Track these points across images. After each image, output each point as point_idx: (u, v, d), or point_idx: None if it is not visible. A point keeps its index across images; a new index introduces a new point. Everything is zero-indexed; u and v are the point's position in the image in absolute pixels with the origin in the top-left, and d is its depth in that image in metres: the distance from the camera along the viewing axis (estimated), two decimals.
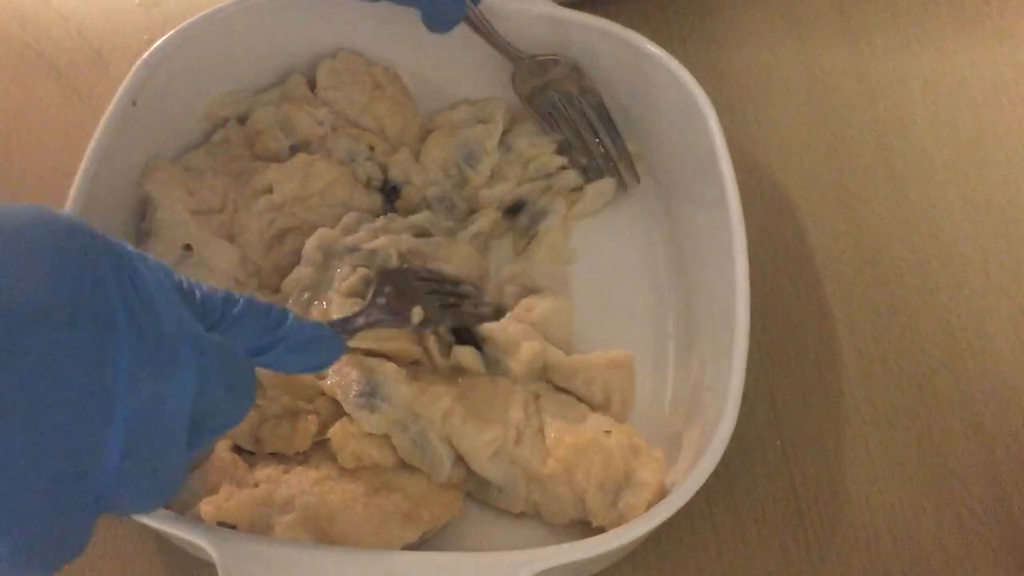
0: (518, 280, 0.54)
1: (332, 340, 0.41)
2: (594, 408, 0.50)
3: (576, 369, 0.49)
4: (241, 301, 0.38)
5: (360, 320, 0.46)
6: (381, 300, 0.48)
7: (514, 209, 0.57)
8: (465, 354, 0.49)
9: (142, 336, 0.31)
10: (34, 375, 0.28)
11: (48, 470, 0.29)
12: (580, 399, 0.50)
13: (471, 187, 0.57)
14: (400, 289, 0.49)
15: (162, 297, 0.33)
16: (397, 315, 0.48)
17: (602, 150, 0.57)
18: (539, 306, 0.51)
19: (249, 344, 0.38)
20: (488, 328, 0.50)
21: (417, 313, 0.48)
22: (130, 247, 0.33)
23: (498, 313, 0.52)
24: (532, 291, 0.53)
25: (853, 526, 0.49)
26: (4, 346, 0.28)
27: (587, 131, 0.57)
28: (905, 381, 0.54)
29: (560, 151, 0.58)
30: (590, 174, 0.58)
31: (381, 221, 0.53)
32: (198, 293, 0.36)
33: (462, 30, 0.53)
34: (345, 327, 0.45)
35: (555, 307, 0.51)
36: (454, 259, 0.53)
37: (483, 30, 0.54)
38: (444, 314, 0.50)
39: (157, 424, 0.32)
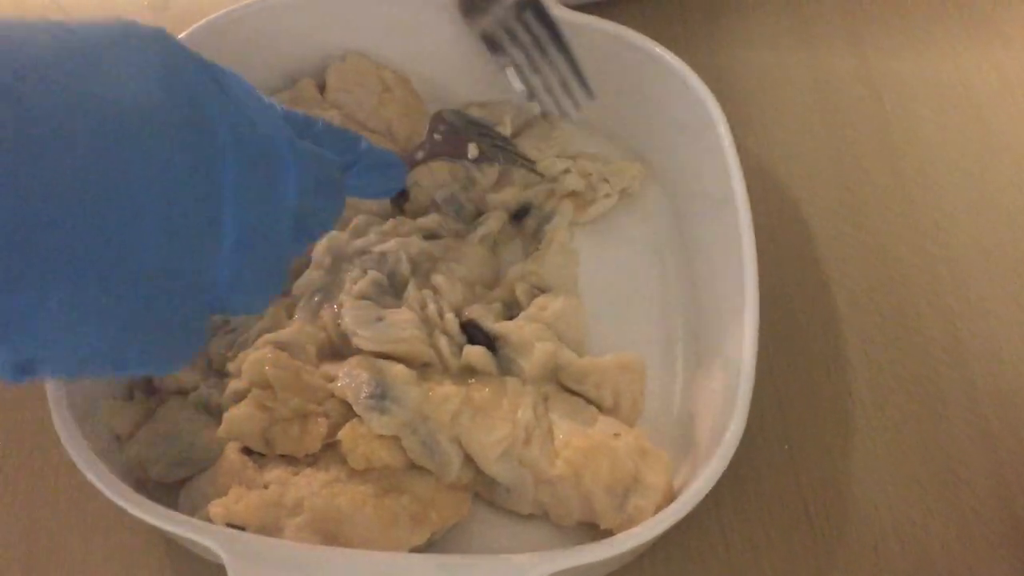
0: (529, 279, 0.54)
1: (399, 167, 0.44)
2: (604, 411, 0.50)
3: (587, 371, 0.50)
4: (320, 121, 0.40)
5: (420, 153, 0.49)
6: (437, 136, 0.50)
7: (520, 213, 0.57)
8: (476, 354, 0.49)
9: (242, 141, 0.32)
10: (147, 185, 0.29)
11: (167, 277, 0.30)
12: (590, 401, 0.50)
13: (478, 189, 0.57)
14: (453, 128, 0.51)
15: (255, 105, 0.34)
16: (455, 151, 0.51)
17: (553, 70, 0.54)
18: (552, 305, 0.51)
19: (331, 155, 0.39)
20: (502, 328, 0.50)
21: (473, 148, 0.51)
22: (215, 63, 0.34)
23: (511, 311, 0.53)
24: (543, 290, 0.53)
25: (860, 529, 0.49)
26: (115, 159, 0.28)
27: (534, 49, 0.54)
28: (911, 384, 0.54)
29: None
30: (537, 97, 0.54)
31: (390, 224, 0.53)
32: (280, 110, 0.37)
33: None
34: (408, 159, 0.47)
35: (568, 307, 0.52)
36: (466, 260, 0.53)
37: None
38: (496, 152, 0.52)
39: (265, 225, 0.33)
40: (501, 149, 0.54)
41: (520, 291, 0.53)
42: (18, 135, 0.26)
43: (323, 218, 0.38)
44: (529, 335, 0.49)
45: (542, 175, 0.56)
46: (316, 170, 0.36)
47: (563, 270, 0.54)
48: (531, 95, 0.55)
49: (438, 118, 0.51)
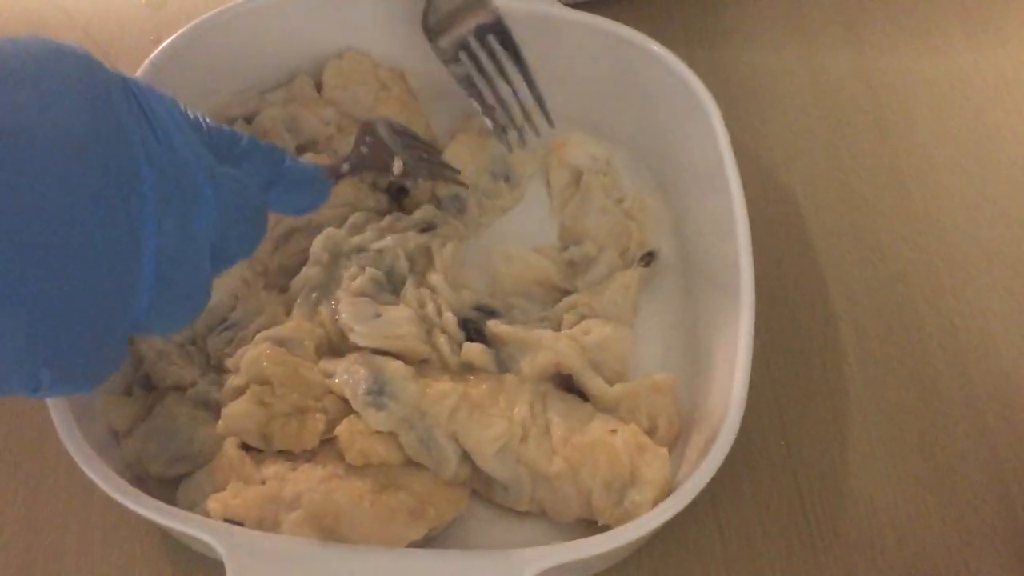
0: (580, 310, 0.52)
1: (322, 183, 0.44)
2: None
3: (619, 399, 0.48)
4: (245, 137, 0.39)
5: (345, 166, 0.48)
6: (364, 149, 0.50)
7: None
8: (475, 351, 0.49)
9: (163, 170, 0.32)
10: (68, 213, 0.29)
11: (85, 304, 0.30)
12: None
13: (498, 201, 0.57)
14: (380, 141, 0.51)
15: (176, 129, 0.34)
16: (379, 164, 0.51)
17: (514, 96, 0.54)
18: (597, 331, 0.50)
19: (253, 179, 0.39)
20: (502, 331, 0.50)
21: (398, 163, 0.51)
22: (137, 79, 0.34)
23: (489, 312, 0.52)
24: (592, 316, 0.51)
25: (857, 524, 0.50)
26: (37, 184, 0.28)
27: (496, 74, 0.53)
28: (909, 380, 0.54)
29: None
30: (498, 122, 0.55)
31: (387, 220, 0.53)
32: (205, 126, 0.37)
33: None
34: (332, 172, 0.47)
35: (615, 336, 0.50)
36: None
37: None
38: (420, 167, 0.53)
39: (184, 252, 0.33)
40: (427, 162, 0.54)
41: (566, 323, 0.51)
42: None
43: (244, 245, 0.39)
44: (529, 338, 0.49)
45: (466, 185, 0.56)
46: (237, 198, 0.37)
47: (618, 307, 0.52)
48: (495, 127, 0.55)
49: (366, 129, 0.51)
